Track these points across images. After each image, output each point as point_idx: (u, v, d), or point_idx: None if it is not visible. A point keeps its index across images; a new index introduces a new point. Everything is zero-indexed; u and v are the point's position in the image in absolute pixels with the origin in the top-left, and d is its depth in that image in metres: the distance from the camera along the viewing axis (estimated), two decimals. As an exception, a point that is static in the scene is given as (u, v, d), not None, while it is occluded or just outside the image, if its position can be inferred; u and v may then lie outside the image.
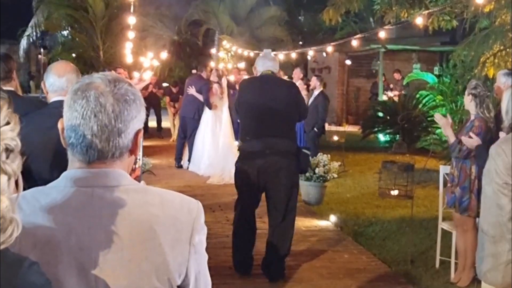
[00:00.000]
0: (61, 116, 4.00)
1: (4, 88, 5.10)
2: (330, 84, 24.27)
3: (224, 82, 14.54)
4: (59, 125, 1.97)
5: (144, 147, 17.12)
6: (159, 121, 21.32)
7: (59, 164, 3.78)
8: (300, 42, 32.05)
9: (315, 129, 13.44)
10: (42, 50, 25.85)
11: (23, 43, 33.53)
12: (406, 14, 14.53)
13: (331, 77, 26.25)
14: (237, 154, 8.35)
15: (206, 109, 14.09)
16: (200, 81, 14.48)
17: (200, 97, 14.08)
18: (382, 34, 13.65)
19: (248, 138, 7.14)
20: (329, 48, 17.12)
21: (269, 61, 7.41)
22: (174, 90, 20.07)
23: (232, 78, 17.04)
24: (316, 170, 10.77)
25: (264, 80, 7.34)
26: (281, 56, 16.85)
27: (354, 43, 14.83)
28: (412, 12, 14.38)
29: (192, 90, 14.24)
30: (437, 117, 7.08)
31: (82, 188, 1.89)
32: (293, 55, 20.08)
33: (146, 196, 1.94)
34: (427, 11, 12.66)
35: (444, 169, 7.53)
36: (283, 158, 6.93)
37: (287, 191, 7.06)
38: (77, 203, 1.87)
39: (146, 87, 16.25)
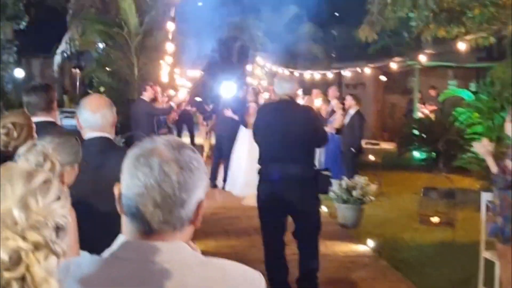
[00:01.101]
0: (101, 153, 3.97)
1: (45, 119, 5.12)
2: (365, 100, 24.05)
3: (261, 100, 14.54)
4: (115, 190, 1.88)
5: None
6: (192, 137, 21.30)
7: (107, 206, 3.75)
8: (333, 55, 31.94)
9: (352, 149, 13.26)
10: (78, 70, 26.02)
11: (57, 58, 33.88)
12: (443, 32, 14.39)
13: (366, 94, 26.07)
14: None
15: (243, 127, 14.02)
16: (235, 101, 14.42)
17: (236, 118, 14.04)
18: (422, 58, 13.52)
19: (266, 162, 7.21)
20: (367, 70, 16.99)
21: (285, 83, 7.43)
22: (207, 108, 20.03)
23: (267, 95, 17.02)
24: (353, 193, 10.66)
25: (281, 105, 7.38)
26: (317, 75, 16.72)
27: (394, 66, 14.74)
28: (449, 30, 14.24)
29: (228, 112, 14.18)
30: (477, 146, 6.88)
31: (140, 262, 1.79)
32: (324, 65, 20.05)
33: (207, 271, 1.83)
34: (468, 36, 12.51)
35: (485, 196, 7.36)
36: (300, 184, 6.99)
37: (308, 216, 7.17)
38: (134, 279, 1.77)
39: (178, 105, 16.22)
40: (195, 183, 1.83)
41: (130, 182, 1.81)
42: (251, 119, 13.55)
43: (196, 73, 17.49)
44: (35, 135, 4.46)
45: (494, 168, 6.58)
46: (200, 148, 20.42)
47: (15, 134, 4.27)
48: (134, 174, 1.80)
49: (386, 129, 26.79)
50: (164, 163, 1.79)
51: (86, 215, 3.97)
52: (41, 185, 1.54)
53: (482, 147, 6.74)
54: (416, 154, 19.16)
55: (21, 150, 3.36)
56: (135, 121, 13.04)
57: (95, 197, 4.00)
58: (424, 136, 18.69)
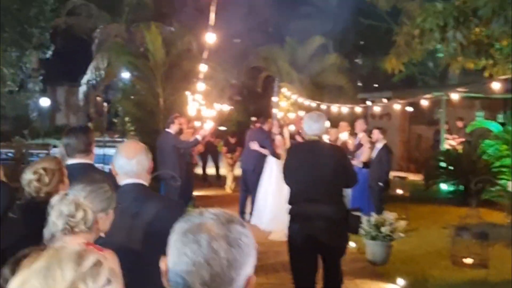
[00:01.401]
0: (136, 201, 3.92)
1: (83, 161, 5.14)
2: (391, 131, 23.90)
3: (286, 132, 14.44)
4: (162, 266, 1.82)
5: (204, 197, 17.06)
6: (217, 169, 21.12)
7: (143, 255, 3.73)
8: (359, 83, 31.83)
9: (380, 183, 13.09)
10: (105, 104, 26.18)
11: (83, 87, 34.07)
12: (471, 64, 14.30)
13: (392, 124, 25.87)
14: None
15: (270, 160, 13.89)
16: (262, 134, 14.26)
17: (264, 151, 13.93)
18: (455, 97, 13.42)
19: (296, 203, 7.28)
20: (397, 106, 16.90)
21: (314, 123, 7.46)
22: (231, 140, 19.82)
23: (293, 127, 16.97)
24: (382, 229, 10.52)
25: (310, 146, 7.52)
26: (344, 109, 16.58)
27: (425, 102, 14.65)
28: (477, 61, 14.16)
29: (255, 145, 14.06)
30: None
31: None
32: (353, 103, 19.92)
33: None
34: (504, 77, 12.39)
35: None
36: (330, 224, 7.03)
37: (336, 256, 7.25)
38: None
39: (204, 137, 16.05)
40: (244, 260, 1.76)
41: (178, 259, 1.75)
42: (278, 151, 13.50)
43: (223, 106, 16.71)
44: (66, 180, 4.44)
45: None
46: (223, 179, 20.34)
47: (46, 179, 4.29)
48: (182, 250, 1.74)
49: (412, 160, 26.49)
50: (212, 239, 1.73)
51: (121, 263, 3.93)
52: (91, 268, 1.49)
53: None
54: (444, 186, 18.86)
55: (54, 200, 3.36)
56: (161, 154, 12.98)
57: (131, 245, 3.96)
58: (452, 168, 18.50)
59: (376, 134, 13.40)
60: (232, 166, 19.36)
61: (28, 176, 4.30)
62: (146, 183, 4.25)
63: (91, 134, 5.34)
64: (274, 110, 21.89)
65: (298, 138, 16.38)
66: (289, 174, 7.55)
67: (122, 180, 4.22)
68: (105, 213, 3.67)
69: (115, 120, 39.08)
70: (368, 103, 27.73)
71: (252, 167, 14.00)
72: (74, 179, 4.16)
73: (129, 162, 4.17)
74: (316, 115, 7.86)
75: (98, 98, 43.53)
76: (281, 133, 14.32)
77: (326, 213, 6.99)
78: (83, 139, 5.22)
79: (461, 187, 18.00)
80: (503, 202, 15.54)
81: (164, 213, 3.92)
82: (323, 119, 7.67)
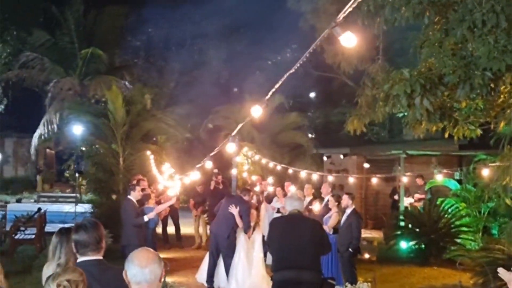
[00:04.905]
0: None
1: (95, 257, 5.09)
2: (348, 187, 23.94)
3: (263, 209, 14.37)
4: None
5: (167, 260, 16.69)
6: (177, 229, 20.33)
7: None
8: (311, 135, 31.74)
9: (350, 249, 12.94)
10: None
11: (34, 141, 33.64)
12: (434, 127, 14.39)
13: (349, 180, 25.77)
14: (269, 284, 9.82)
15: (240, 233, 13.64)
16: (243, 205, 13.64)
17: (239, 222, 13.42)
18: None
19: (279, 269, 8.39)
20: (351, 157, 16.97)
21: (295, 201, 8.87)
22: (198, 189, 19.23)
23: (257, 188, 16.84)
24: (358, 300, 10.47)
25: (291, 219, 8.72)
26: (303, 173, 16.42)
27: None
28: (441, 125, 14.25)
29: (236, 210, 13.59)
30: (501, 271, 6.73)
31: None
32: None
33: None
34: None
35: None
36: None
37: None
38: None
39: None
40: None
41: None
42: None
43: (192, 176, 15.86)
44: None
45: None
46: (188, 239, 19.88)
47: None
48: None
49: (370, 217, 26.42)
50: None
51: None
52: None
53: (506, 273, 6.60)
54: (403, 245, 18.66)
55: None
56: (124, 220, 13.31)
57: None
58: (412, 227, 18.51)
59: (345, 200, 13.31)
60: (197, 216, 19.13)
61: (51, 288, 4.15)
62: None
63: (100, 229, 5.27)
64: (234, 171, 21.70)
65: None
66: (272, 244, 8.73)
67: None
68: None
69: (67, 175, 38.58)
70: (325, 158, 27.89)
71: (226, 234, 13.41)
72: (90, 276, 4.35)
73: (142, 271, 4.11)
74: (297, 196, 9.72)
75: (48, 150, 42.97)
76: (257, 208, 14.22)
77: (305, 279, 8.12)
78: (94, 236, 5.16)
79: (423, 246, 18.01)
80: (465, 262, 15.62)
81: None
82: (302, 199, 9.88)
